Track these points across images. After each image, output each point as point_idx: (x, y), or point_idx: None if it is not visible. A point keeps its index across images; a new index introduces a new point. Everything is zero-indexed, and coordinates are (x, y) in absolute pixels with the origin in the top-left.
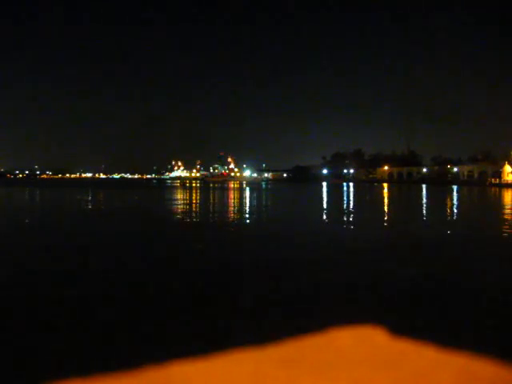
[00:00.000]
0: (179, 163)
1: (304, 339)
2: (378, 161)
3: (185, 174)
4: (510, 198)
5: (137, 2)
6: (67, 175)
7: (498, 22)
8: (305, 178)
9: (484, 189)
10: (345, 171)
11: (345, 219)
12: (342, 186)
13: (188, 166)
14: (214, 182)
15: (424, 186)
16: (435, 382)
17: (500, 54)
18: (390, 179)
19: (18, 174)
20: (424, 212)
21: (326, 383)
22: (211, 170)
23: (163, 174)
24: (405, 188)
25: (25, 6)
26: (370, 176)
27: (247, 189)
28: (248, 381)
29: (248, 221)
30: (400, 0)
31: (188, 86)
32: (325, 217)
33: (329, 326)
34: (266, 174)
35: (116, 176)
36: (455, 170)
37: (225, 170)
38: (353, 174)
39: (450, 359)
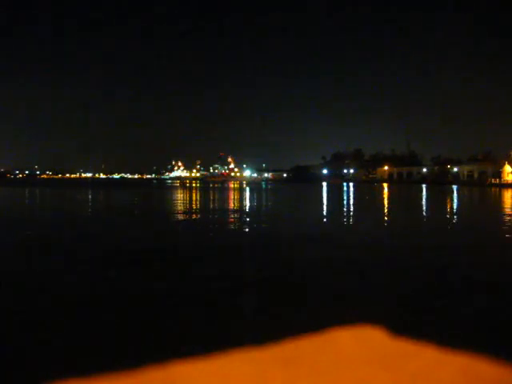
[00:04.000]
0: (179, 163)
1: (304, 339)
2: (378, 161)
3: (185, 174)
4: (509, 198)
5: (133, 7)
6: (67, 175)
7: (498, 22)
8: (305, 178)
9: (484, 189)
10: (345, 171)
11: (346, 221)
12: (342, 187)
13: (188, 166)
14: (213, 182)
15: (424, 186)
16: (435, 382)
17: (500, 54)
18: (389, 179)
19: (18, 174)
20: (425, 213)
21: (325, 383)
22: (211, 170)
23: (163, 173)
24: (405, 188)
25: (25, 6)
26: (370, 176)
27: (247, 189)
28: (248, 381)
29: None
30: (400, 0)
31: (188, 86)
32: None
33: (329, 326)
34: (266, 174)
35: (116, 176)
36: (455, 169)
37: (225, 170)
38: (353, 174)
39: (450, 359)
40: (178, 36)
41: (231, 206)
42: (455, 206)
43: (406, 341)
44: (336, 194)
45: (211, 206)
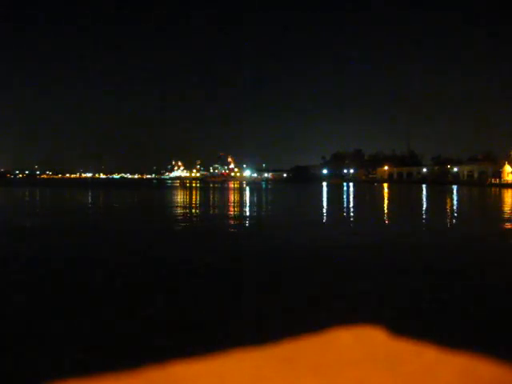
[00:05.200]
0: (179, 163)
1: (304, 339)
2: (378, 161)
3: (185, 174)
4: (509, 198)
5: (133, 7)
6: (67, 175)
7: (498, 22)
8: (305, 178)
9: (484, 189)
10: (345, 171)
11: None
12: (343, 187)
13: (188, 166)
14: (213, 182)
15: (424, 186)
16: (435, 382)
17: (500, 54)
18: (389, 179)
19: (18, 174)
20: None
21: (325, 383)
22: (211, 170)
23: (163, 174)
24: (405, 188)
25: (26, 6)
26: (370, 176)
27: (247, 189)
28: (248, 381)
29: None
30: (401, 0)
31: (188, 85)
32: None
33: (329, 326)
34: (266, 174)
35: (116, 176)
36: (455, 169)
37: (225, 170)
38: (353, 174)
39: (450, 359)
40: (177, 36)
41: (232, 211)
42: (455, 207)
43: (406, 341)
44: (338, 196)
45: (212, 211)
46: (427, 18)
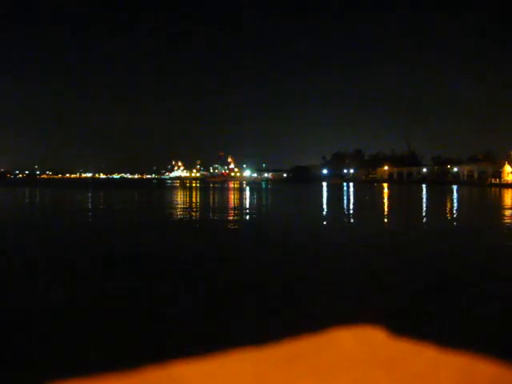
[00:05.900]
0: (179, 163)
1: (304, 339)
2: (378, 161)
3: (185, 174)
4: (509, 197)
5: (133, 7)
6: (67, 175)
7: (499, 22)
8: (305, 178)
9: (484, 189)
10: (345, 171)
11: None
12: (343, 187)
13: (188, 166)
14: (213, 182)
15: (424, 186)
16: (435, 382)
17: (500, 54)
18: (390, 179)
19: (18, 174)
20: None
21: (325, 383)
22: (211, 170)
23: (163, 174)
24: (406, 188)
25: (27, 6)
26: (370, 176)
27: (247, 190)
28: (248, 381)
29: None
30: (400, 0)
31: (188, 86)
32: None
33: (329, 326)
34: (266, 174)
35: (116, 176)
36: (455, 169)
37: (225, 170)
38: (353, 174)
39: (450, 359)
40: (177, 36)
41: (233, 215)
42: (456, 207)
43: (406, 341)
44: (340, 196)
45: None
46: (427, 19)
